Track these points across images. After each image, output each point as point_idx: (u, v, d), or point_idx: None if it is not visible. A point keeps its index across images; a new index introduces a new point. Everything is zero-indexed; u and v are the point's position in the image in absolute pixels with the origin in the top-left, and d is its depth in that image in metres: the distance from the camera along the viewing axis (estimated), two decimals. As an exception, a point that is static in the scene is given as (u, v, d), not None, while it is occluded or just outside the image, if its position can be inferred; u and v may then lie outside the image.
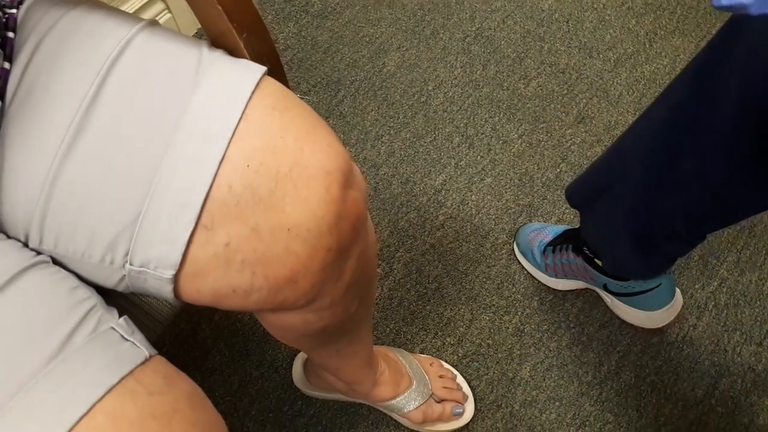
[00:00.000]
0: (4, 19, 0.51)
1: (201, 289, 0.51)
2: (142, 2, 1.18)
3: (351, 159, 0.56)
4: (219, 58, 0.53)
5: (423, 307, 1.02)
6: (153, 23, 0.54)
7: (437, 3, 1.38)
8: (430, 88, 1.25)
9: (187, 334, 1.01)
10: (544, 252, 0.98)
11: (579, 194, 0.85)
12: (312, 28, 1.36)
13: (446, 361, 0.97)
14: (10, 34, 0.51)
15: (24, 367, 0.42)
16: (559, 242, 0.96)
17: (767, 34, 0.52)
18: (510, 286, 1.04)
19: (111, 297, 0.52)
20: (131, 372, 0.44)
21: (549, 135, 1.18)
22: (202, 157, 0.48)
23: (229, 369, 0.98)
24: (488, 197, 1.12)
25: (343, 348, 0.76)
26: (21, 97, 0.49)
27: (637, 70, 1.26)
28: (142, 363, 0.46)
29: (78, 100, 0.48)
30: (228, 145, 0.48)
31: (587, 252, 0.90)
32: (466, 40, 1.32)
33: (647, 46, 1.29)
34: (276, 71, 0.55)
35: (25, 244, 0.51)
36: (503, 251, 1.07)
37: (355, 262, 0.57)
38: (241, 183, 0.49)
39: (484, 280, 1.04)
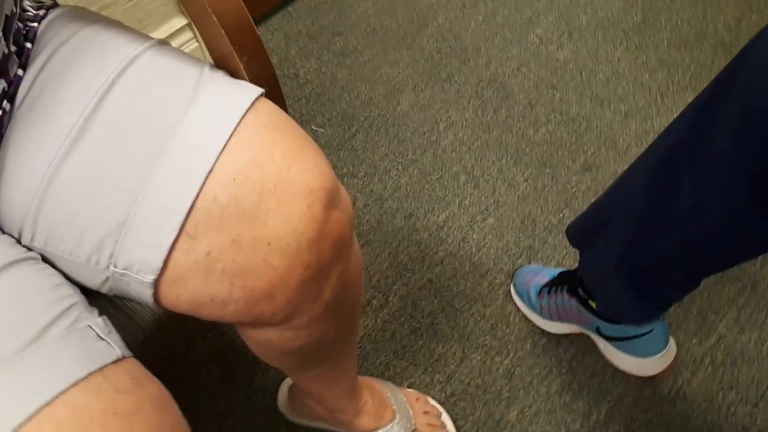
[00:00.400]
0: (25, 31, 0.55)
1: (180, 296, 0.53)
2: (170, 31, 1.24)
3: (337, 181, 0.57)
4: (219, 77, 0.56)
5: (415, 342, 1.02)
6: (162, 43, 0.58)
7: (455, 48, 1.42)
8: (441, 128, 1.28)
9: (181, 350, 1.03)
10: (539, 293, 0.98)
11: (579, 232, 0.86)
12: (332, 65, 1.41)
13: (433, 398, 0.96)
14: (28, 45, 0.55)
15: None
16: (554, 283, 0.96)
17: (764, 74, 0.53)
18: (504, 327, 1.03)
19: (96, 299, 0.54)
20: (100, 369, 0.45)
21: (554, 180, 1.19)
22: (191, 168, 0.51)
23: (218, 389, 0.99)
24: (489, 237, 1.13)
25: (325, 373, 0.77)
26: (29, 102, 0.52)
27: (647, 122, 1.27)
28: (113, 362, 0.47)
29: (81, 107, 0.51)
30: (217, 159, 0.51)
31: (581, 293, 0.90)
32: (480, 84, 1.35)
33: (659, 100, 1.31)
34: (274, 94, 0.58)
35: (18, 241, 0.54)
36: (500, 291, 1.07)
37: (335, 282, 0.58)
38: (226, 195, 0.51)
39: (479, 319, 1.04)
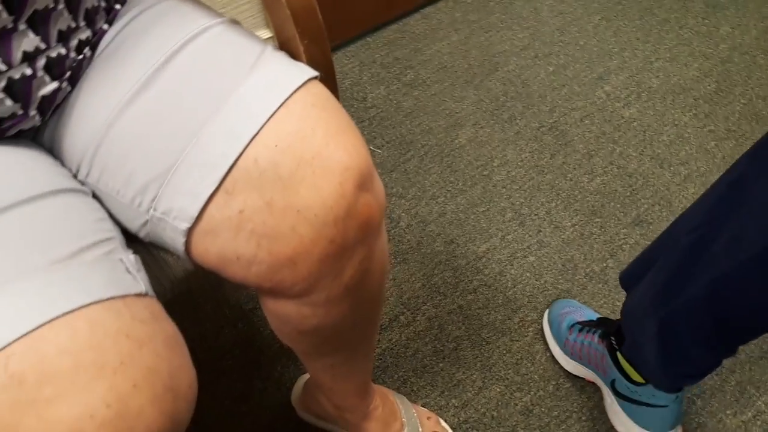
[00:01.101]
0: (118, -6, 0.62)
1: (209, 248, 0.56)
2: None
3: (373, 167, 0.60)
4: (280, 55, 0.60)
5: (436, 364, 1.02)
6: (233, 21, 0.63)
7: (521, 93, 1.45)
8: (495, 164, 1.30)
9: (210, 335, 1.06)
10: (571, 327, 0.96)
11: (629, 274, 0.84)
12: (400, 94, 1.46)
13: (445, 421, 0.95)
14: (117, 6, 0.61)
15: (30, 260, 0.47)
16: (590, 324, 0.94)
17: None
18: (528, 365, 1.01)
19: (133, 246, 0.57)
20: (123, 297, 0.48)
21: (602, 230, 1.18)
22: (239, 129, 0.55)
23: (238, 376, 1.01)
24: (527, 275, 1.12)
25: (338, 365, 0.78)
26: (108, 52, 0.58)
27: (706, 188, 1.24)
28: (136, 295, 0.50)
29: (150, 63, 0.57)
30: (264, 125, 0.55)
31: (612, 341, 0.88)
32: (541, 129, 1.36)
33: (722, 168, 1.28)
34: (328, 80, 0.61)
35: (75, 177, 0.59)
36: (530, 329, 1.05)
37: (357, 264, 0.60)
38: (266, 159, 0.54)
39: (504, 352, 1.03)
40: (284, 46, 0.63)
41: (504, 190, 1.25)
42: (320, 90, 0.60)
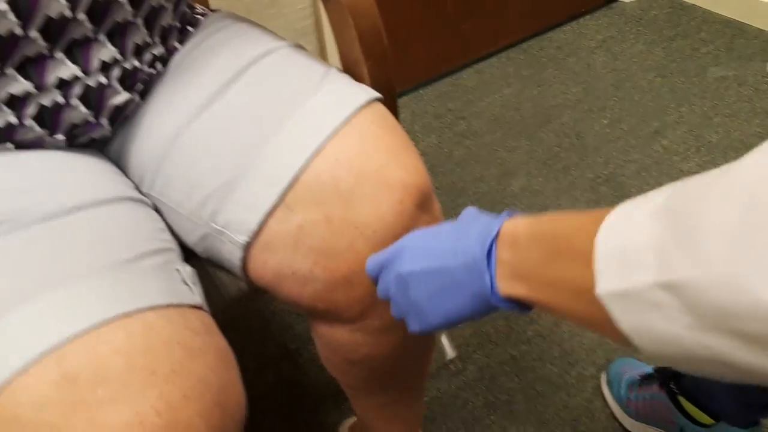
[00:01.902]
0: (191, 16, 0.64)
1: (267, 263, 0.55)
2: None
3: (432, 189, 0.59)
4: (344, 76, 0.61)
5: (487, 416, 0.96)
6: (299, 45, 0.64)
7: (575, 144, 1.43)
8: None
9: (253, 374, 1.03)
10: (630, 386, 0.90)
11: None
12: (452, 143, 1.46)
13: (497, 478, 0.88)
14: (190, 28, 0.63)
15: (93, 261, 0.46)
16: (648, 376, 0.88)
17: None
18: (588, 422, 0.95)
19: (189, 261, 0.56)
20: (178, 305, 0.48)
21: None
22: (302, 144, 0.54)
23: (279, 417, 0.97)
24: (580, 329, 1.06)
25: (387, 406, 0.74)
26: (179, 68, 0.60)
27: None
28: (190, 306, 0.49)
29: (218, 80, 0.58)
30: (326, 141, 0.54)
31: (672, 387, 0.82)
32: (596, 180, 1.33)
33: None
34: (389, 103, 0.61)
35: (138, 187, 0.59)
36: (589, 384, 0.99)
37: (415, 291, 0.58)
38: (328, 174, 0.54)
39: (561, 407, 0.96)
40: (348, 69, 0.63)
41: (558, 239, 1.21)
42: (382, 111, 0.59)
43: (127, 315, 0.44)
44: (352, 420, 0.93)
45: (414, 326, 0.49)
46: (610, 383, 0.95)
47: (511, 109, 1.55)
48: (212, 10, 0.69)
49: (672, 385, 0.82)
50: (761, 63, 1.61)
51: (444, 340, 0.58)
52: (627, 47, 1.72)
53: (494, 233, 0.42)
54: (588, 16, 1.85)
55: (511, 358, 1.03)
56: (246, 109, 0.57)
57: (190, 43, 0.61)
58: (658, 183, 1.32)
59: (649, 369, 0.92)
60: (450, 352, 0.59)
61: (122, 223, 0.52)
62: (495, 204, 1.29)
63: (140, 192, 0.58)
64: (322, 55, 1.38)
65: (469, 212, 0.49)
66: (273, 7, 1.22)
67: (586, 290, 0.34)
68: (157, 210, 0.59)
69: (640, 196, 0.33)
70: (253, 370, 1.04)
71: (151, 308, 0.45)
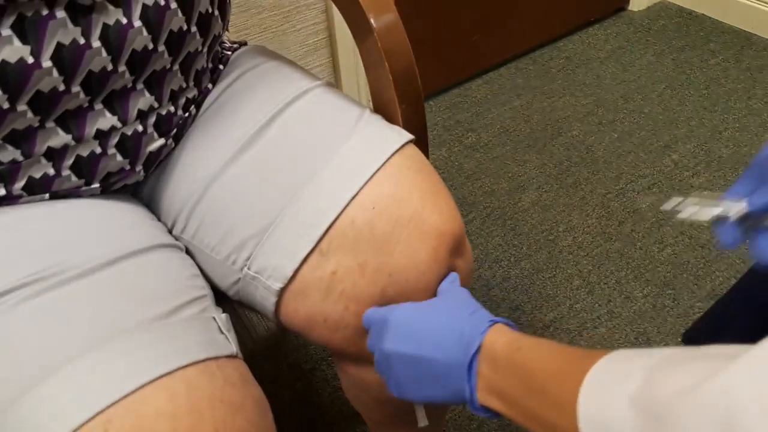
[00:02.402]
0: (221, 56, 0.64)
1: (299, 309, 0.55)
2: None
3: (464, 230, 0.59)
4: (377, 119, 0.61)
5: (502, 437, 0.97)
6: (330, 84, 0.64)
7: (585, 158, 1.43)
8: (560, 229, 1.27)
9: (267, 393, 1.03)
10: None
11: (700, 331, 0.80)
12: (461, 156, 1.46)
13: (514, 502, 0.89)
14: (221, 66, 0.63)
15: (132, 318, 0.47)
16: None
17: None
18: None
19: (219, 303, 0.57)
20: (216, 358, 0.48)
21: (676, 303, 1.13)
22: (338, 191, 0.54)
23: (295, 439, 0.98)
24: (598, 346, 1.07)
25: (438, 404, 0.74)
26: (212, 111, 0.60)
27: (786, 263, 1.19)
28: (227, 356, 0.49)
29: (254, 123, 0.58)
30: (362, 187, 0.54)
31: None
32: (607, 195, 1.34)
33: (802, 242, 1.22)
34: (421, 143, 0.61)
35: (170, 231, 0.59)
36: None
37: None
38: (363, 220, 0.54)
39: (575, 429, 0.97)
40: (381, 109, 0.63)
41: (570, 256, 1.22)
42: (415, 153, 0.60)
43: (169, 374, 0.44)
44: (369, 443, 0.93)
45: (393, 392, 0.51)
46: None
47: (521, 121, 1.55)
48: (240, 44, 0.68)
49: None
50: (770, 76, 1.62)
51: (417, 408, 0.61)
52: (636, 58, 1.72)
53: (476, 346, 0.45)
54: (597, 25, 1.85)
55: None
56: (281, 155, 0.56)
57: (222, 83, 0.61)
58: (668, 198, 1.32)
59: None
60: (422, 420, 0.61)
61: (159, 273, 0.52)
62: (506, 220, 1.30)
63: (172, 235, 0.58)
64: (335, 69, 1.37)
65: (456, 294, 0.52)
66: (287, 23, 1.22)
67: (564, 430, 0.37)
68: (188, 252, 0.59)
69: (616, 356, 0.36)
70: (267, 390, 1.04)
71: (193, 364, 0.46)
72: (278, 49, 0.94)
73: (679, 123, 1.51)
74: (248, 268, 0.55)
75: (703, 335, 0.79)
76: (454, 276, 0.56)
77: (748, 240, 0.46)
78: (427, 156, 0.65)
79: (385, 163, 0.56)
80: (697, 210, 0.48)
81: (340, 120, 0.59)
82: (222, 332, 0.52)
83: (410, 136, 0.60)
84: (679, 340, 1.07)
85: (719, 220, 0.46)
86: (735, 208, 0.45)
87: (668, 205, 0.48)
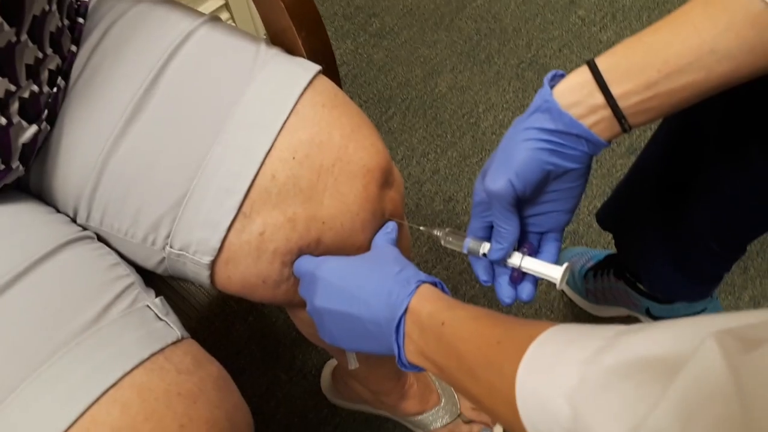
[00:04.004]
0: (76, 6, 0.55)
1: (231, 276, 0.52)
2: (206, 12, 1.23)
3: (391, 159, 0.56)
4: (276, 54, 0.54)
5: (457, 327, 1.01)
6: (215, 19, 0.57)
7: (494, 29, 1.39)
8: (480, 110, 1.26)
9: (221, 333, 1.03)
10: (585, 277, 0.96)
11: (610, 216, 0.84)
12: (369, 47, 1.39)
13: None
14: (80, 20, 0.54)
15: (58, 334, 0.43)
16: (600, 267, 0.94)
17: None
18: (548, 313, 1.01)
19: (150, 278, 0.53)
20: (162, 350, 0.45)
21: (599, 164, 1.16)
22: (250, 146, 0.50)
23: (259, 371, 0.99)
24: (532, 222, 1.10)
25: (371, 354, 0.76)
26: (85, 79, 0.52)
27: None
28: (173, 343, 0.47)
29: (137, 84, 0.50)
30: (276, 137, 0.50)
31: (629, 276, 0.88)
32: (521, 66, 1.32)
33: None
34: (330, 71, 0.56)
35: (73, 220, 0.53)
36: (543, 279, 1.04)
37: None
38: (284, 173, 0.50)
39: (522, 305, 1.02)
40: (276, 38, 0.57)
41: (494, 136, 1.22)
42: (327, 86, 0.55)
43: (116, 385, 0.42)
44: (332, 363, 0.95)
45: (326, 340, 0.52)
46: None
47: (423, -3, 1.47)
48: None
49: (628, 275, 0.88)
50: None
51: (348, 353, 0.62)
52: None
53: (403, 308, 0.45)
54: None
55: (468, 266, 1.06)
56: (177, 117, 0.50)
57: (89, 42, 0.53)
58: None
59: (598, 255, 0.98)
60: (352, 363, 0.63)
61: (75, 274, 0.47)
62: (426, 110, 1.27)
63: (78, 224, 0.53)
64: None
65: (386, 251, 0.51)
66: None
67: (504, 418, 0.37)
68: (100, 239, 0.53)
69: (546, 341, 0.35)
70: (220, 328, 1.03)
71: (138, 365, 0.43)
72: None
73: (581, -25, 1.47)
74: (170, 247, 0.51)
75: (610, 218, 0.83)
76: (391, 226, 0.54)
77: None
78: (338, 82, 0.60)
79: (295, 104, 0.51)
80: (455, 242, 0.53)
81: (235, 62, 0.53)
82: (160, 319, 0.49)
83: (317, 68, 0.54)
84: (605, 199, 1.12)
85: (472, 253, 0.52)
86: (480, 248, 0.51)
87: (440, 234, 0.54)
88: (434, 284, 0.47)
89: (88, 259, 0.49)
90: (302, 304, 0.58)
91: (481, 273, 0.53)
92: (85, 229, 0.53)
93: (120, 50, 0.52)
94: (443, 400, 0.87)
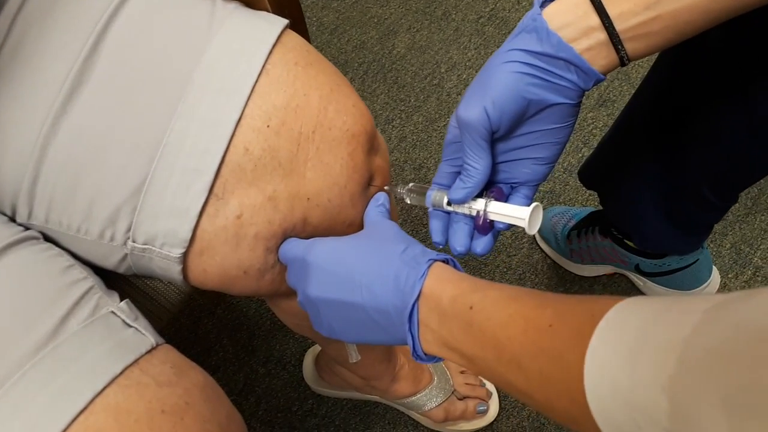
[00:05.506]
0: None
1: (208, 269, 0.45)
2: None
3: (374, 123, 0.50)
4: (235, 8, 0.47)
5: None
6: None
7: (448, -17, 1.32)
8: (442, 70, 1.19)
9: (188, 329, 0.95)
10: (568, 237, 0.92)
11: (595, 173, 0.80)
12: (317, 9, 1.30)
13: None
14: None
15: (8, 357, 0.36)
16: (584, 225, 0.90)
17: None
18: (533, 277, 0.98)
19: (111, 280, 0.46)
20: (136, 361, 0.39)
21: (569, 119, 1.13)
22: (216, 116, 0.42)
23: (234, 366, 0.92)
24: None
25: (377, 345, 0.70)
26: (9, 52, 0.43)
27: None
28: (148, 351, 0.40)
29: (74, 53, 0.42)
30: (246, 103, 0.43)
31: (615, 233, 0.85)
32: (480, 21, 1.26)
33: (669, 27, 1.24)
34: (298, 25, 0.49)
35: (12, 219, 0.45)
36: (524, 240, 1.01)
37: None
38: (259, 145, 0.43)
39: (505, 270, 0.98)
40: (233, -9, 0.49)
41: (459, 96, 1.16)
42: (297, 42, 0.48)
43: (86, 409, 0.35)
44: (314, 350, 0.89)
45: (323, 333, 0.45)
46: (546, 240, 0.97)
47: (371, -47, 1.38)
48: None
49: (615, 232, 0.84)
50: None
51: (348, 346, 0.56)
52: None
53: (416, 294, 0.39)
54: None
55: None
56: (125, 88, 0.42)
57: (8, 11, 0.43)
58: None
59: (579, 214, 0.94)
60: (354, 356, 0.57)
61: (21, 282, 0.40)
62: (386, 73, 1.20)
63: (18, 224, 0.44)
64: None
65: (383, 227, 0.44)
66: None
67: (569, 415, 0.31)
68: (48, 239, 0.45)
69: (612, 325, 0.29)
70: (186, 325, 0.95)
71: (110, 383, 0.37)
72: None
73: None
74: (133, 241, 0.44)
75: (596, 176, 0.80)
76: (382, 197, 0.48)
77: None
78: (307, 37, 0.53)
79: (264, 64, 0.44)
80: (419, 198, 0.48)
81: (189, 21, 0.45)
82: (129, 325, 0.42)
83: (284, 21, 0.47)
84: (580, 155, 1.08)
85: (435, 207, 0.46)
86: (445, 199, 0.45)
87: (402, 192, 0.49)
88: (446, 261, 0.41)
89: (35, 263, 0.42)
90: (288, 294, 0.51)
91: (436, 230, 0.46)
92: (27, 228, 0.44)
93: (48, 15, 0.43)
94: (435, 379, 0.82)
